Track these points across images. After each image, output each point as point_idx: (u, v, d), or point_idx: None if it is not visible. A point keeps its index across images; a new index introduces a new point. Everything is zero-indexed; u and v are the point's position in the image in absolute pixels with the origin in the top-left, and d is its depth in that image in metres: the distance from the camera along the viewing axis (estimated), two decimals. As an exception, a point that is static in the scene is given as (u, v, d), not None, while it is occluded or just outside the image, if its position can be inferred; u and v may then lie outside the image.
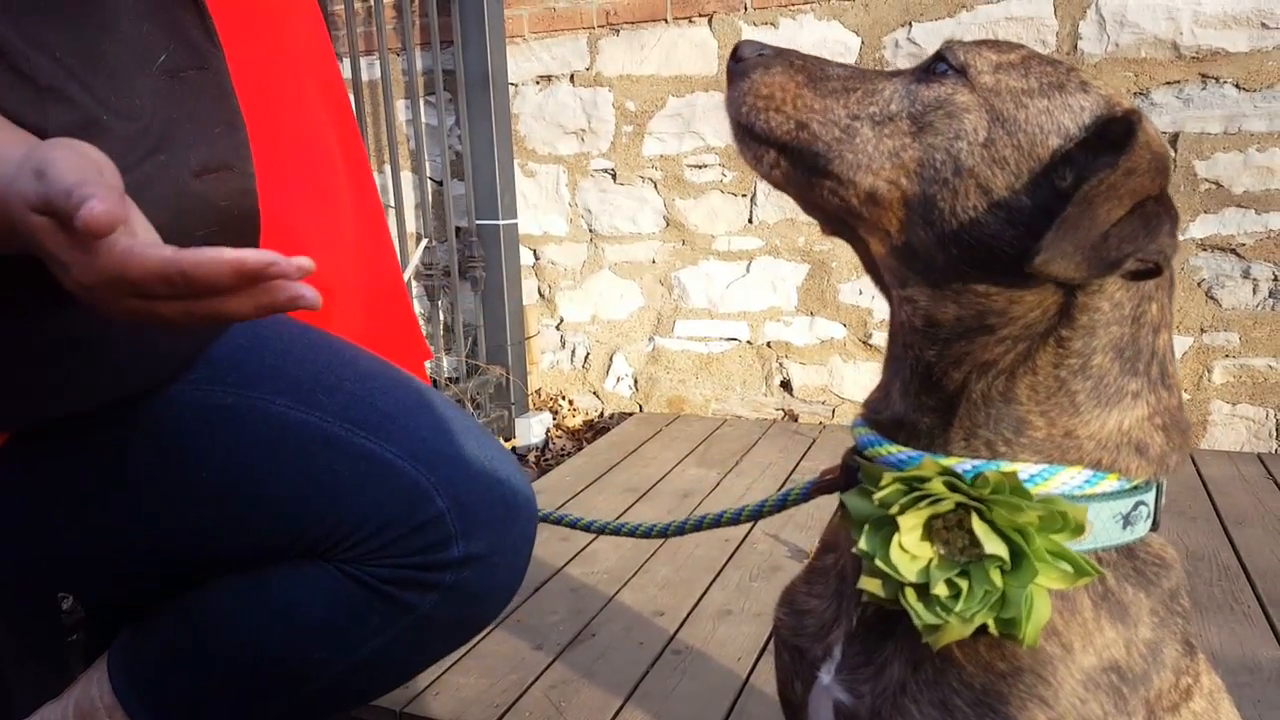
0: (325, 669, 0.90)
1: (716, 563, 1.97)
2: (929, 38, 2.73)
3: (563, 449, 3.09)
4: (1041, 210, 0.57)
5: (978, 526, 0.59)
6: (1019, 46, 0.63)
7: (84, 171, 0.58)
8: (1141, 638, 0.62)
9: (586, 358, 3.37)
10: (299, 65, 1.03)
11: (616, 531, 1.14)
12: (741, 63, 0.66)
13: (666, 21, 3.02)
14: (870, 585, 0.62)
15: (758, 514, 0.95)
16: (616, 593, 1.84)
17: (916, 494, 0.61)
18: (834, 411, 3.04)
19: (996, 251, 0.59)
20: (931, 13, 2.72)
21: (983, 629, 0.60)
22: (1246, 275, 2.56)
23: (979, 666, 0.61)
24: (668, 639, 1.66)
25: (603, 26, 3.10)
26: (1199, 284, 2.61)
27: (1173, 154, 2.57)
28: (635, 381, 3.31)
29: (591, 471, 2.62)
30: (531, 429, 3.16)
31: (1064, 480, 0.61)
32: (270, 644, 0.89)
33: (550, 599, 1.83)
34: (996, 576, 0.58)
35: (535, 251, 3.36)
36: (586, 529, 1.20)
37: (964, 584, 0.58)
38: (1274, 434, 2.60)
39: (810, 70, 0.64)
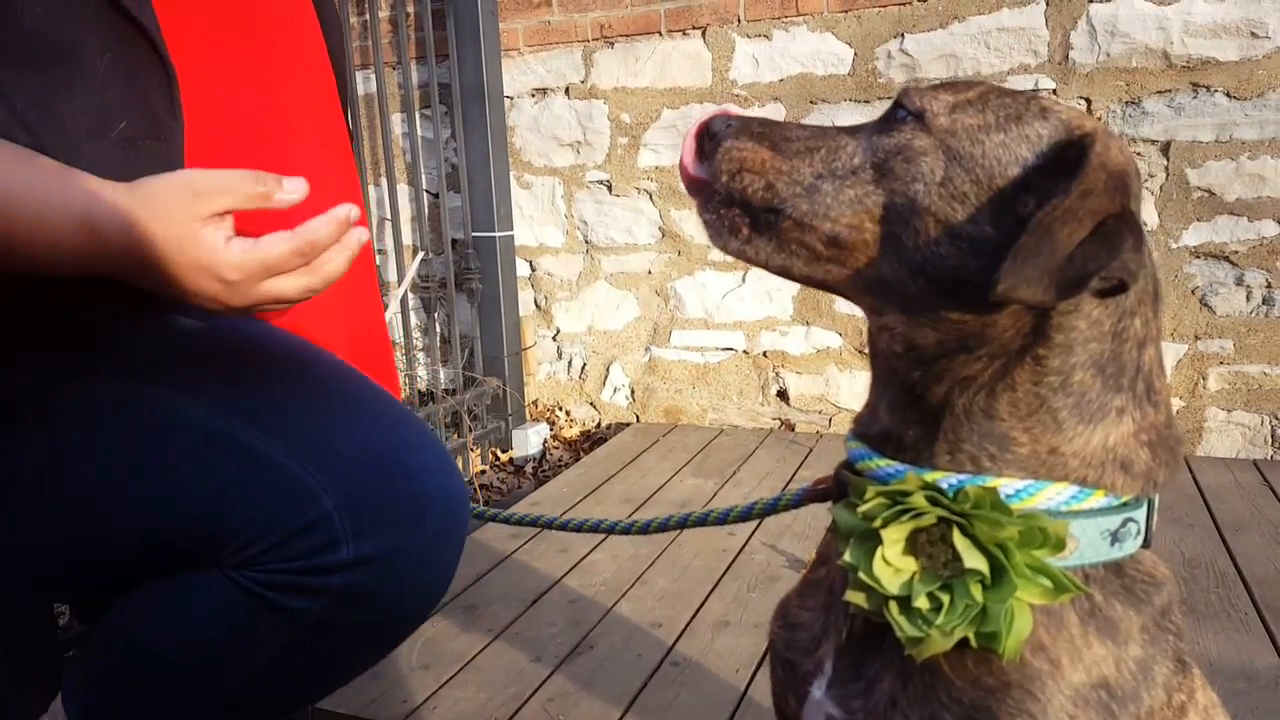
0: (226, 679, 0.87)
1: (714, 573, 1.97)
2: (921, 49, 2.75)
3: (560, 460, 3.09)
4: (1007, 238, 0.58)
5: (959, 541, 0.59)
6: (979, 84, 0.65)
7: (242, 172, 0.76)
8: (1132, 655, 0.62)
9: (583, 368, 3.38)
10: (292, 111, 1.01)
11: (579, 528, 1.11)
12: (714, 138, 0.68)
13: (661, 34, 3.04)
14: (855, 598, 0.62)
15: (747, 515, 0.95)
16: (614, 604, 1.84)
17: (899, 508, 0.61)
18: (831, 420, 3.04)
19: (963, 281, 0.60)
20: (924, 24, 2.74)
21: (968, 643, 0.60)
22: (1240, 282, 2.57)
23: (967, 682, 0.62)
24: (666, 650, 1.66)
25: (597, 39, 3.12)
26: (1193, 291, 2.62)
27: (1141, 167, 2.58)
28: (632, 392, 3.32)
29: (589, 482, 2.62)
30: (529, 440, 3.16)
31: (1049, 496, 0.62)
32: (166, 657, 0.87)
33: (548, 611, 1.83)
34: (977, 591, 0.58)
35: (531, 263, 3.37)
36: (549, 526, 1.16)
37: (945, 598, 0.59)
38: (1269, 440, 2.61)
39: (773, 137, 0.67)
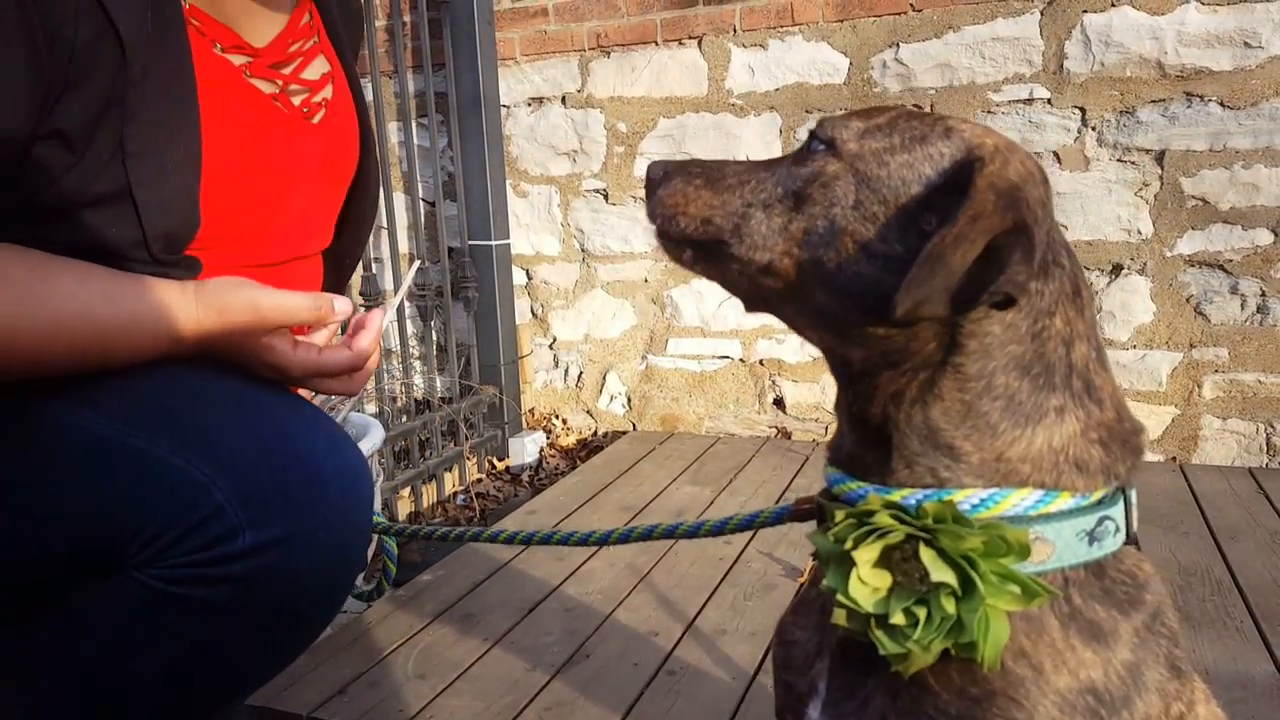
0: (144, 681, 0.88)
1: (711, 581, 1.97)
2: (916, 59, 2.76)
3: (556, 468, 3.09)
4: (914, 255, 0.61)
5: (925, 555, 0.60)
6: (891, 109, 0.68)
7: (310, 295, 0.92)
8: (1120, 659, 0.62)
9: (580, 376, 3.38)
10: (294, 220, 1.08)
11: (546, 541, 1.11)
12: (651, 182, 0.74)
13: (657, 43, 3.05)
14: (839, 618, 0.63)
15: (720, 530, 0.95)
16: (611, 613, 1.84)
17: (866, 528, 0.62)
18: (827, 428, 3.04)
19: (884, 297, 0.61)
20: (919, 34, 2.75)
21: (952, 654, 0.60)
22: (1234, 291, 2.58)
23: (953, 693, 0.62)
24: (663, 659, 1.66)
25: (594, 49, 3.13)
26: (1188, 300, 2.63)
27: (1136, 176, 2.60)
28: (628, 400, 3.32)
29: (585, 491, 2.62)
30: (525, 448, 3.16)
31: (1013, 503, 0.63)
32: (79, 666, 0.87)
33: (545, 619, 1.82)
34: (949, 604, 0.59)
35: (528, 271, 3.37)
36: (492, 540, 1.17)
37: (921, 612, 0.59)
38: (1265, 448, 2.62)
39: (708, 175, 0.71)
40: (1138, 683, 0.62)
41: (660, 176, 0.72)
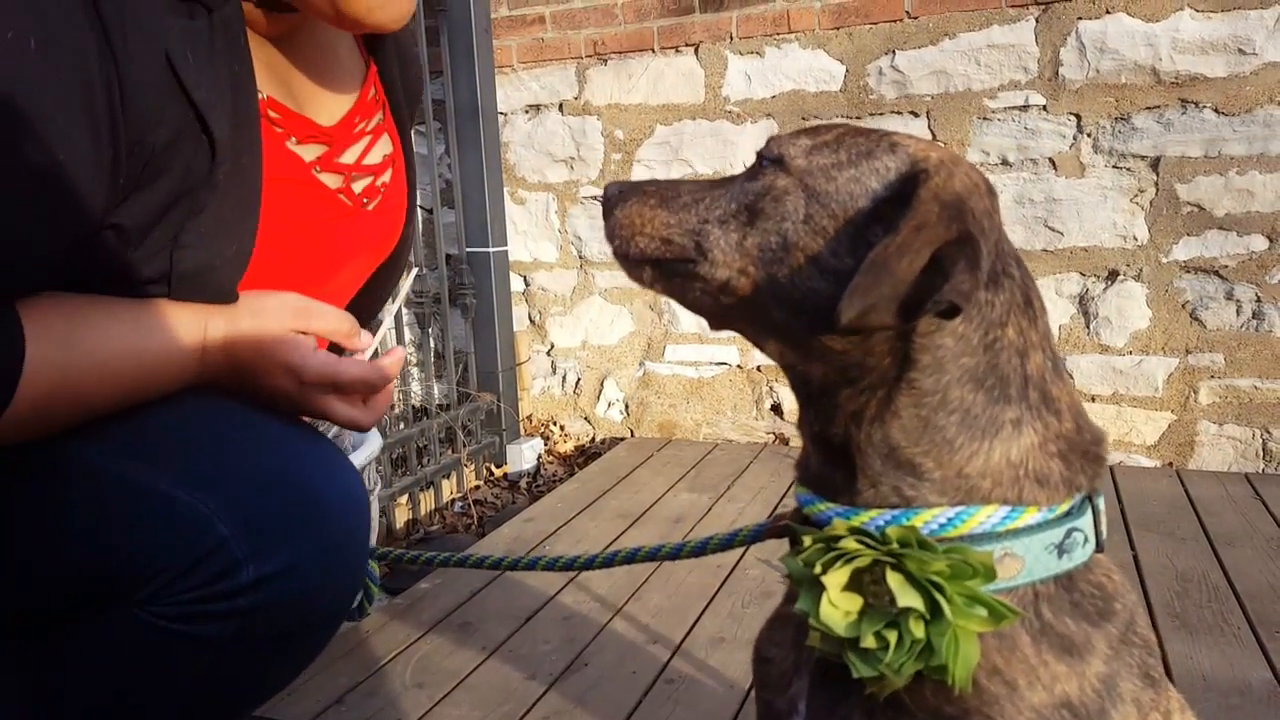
0: (144, 712, 0.87)
1: (709, 589, 1.97)
2: (912, 66, 2.77)
3: (554, 475, 3.09)
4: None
5: (893, 580, 0.60)
6: (838, 126, 0.69)
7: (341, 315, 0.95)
8: (1094, 671, 0.62)
9: (577, 383, 3.38)
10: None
11: (513, 566, 1.12)
12: (608, 202, 0.75)
13: (654, 51, 3.06)
14: (814, 641, 0.64)
15: (701, 550, 0.95)
16: (609, 621, 1.84)
17: (834, 553, 0.63)
18: (825, 435, 3.05)
19: (837, 313, 0.62)
20: (914, 41, 2.76)
21: (924, 675, 0.61)
22: (1230, 296, 2.59)
23: (928, 713, 0.62)
24: (660, 668, 1.66)
25: (590, 56, 3.14)
26: (1183, 306, 2.64)
27: (1131, 183, 2.60)
28: (626, 406, 3.32)
29: (583, 498, 2.62)
30: (523, 455, 3.16)
31: (980, 520, 0.63)
32: (82, 701, 0.86)
33: (542, 628, 1.82)
34: (918, 627, 0.59)
35: (526, 278, 3.38)
36: (446, 564, 1.17)
37: (892, 636, 0.60)
38: (1261, 454, 2.62)
39: (663, 194, 0.72)
40: (1112, 695, 0.62)
41: (616, 196, 0.73)
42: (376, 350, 1.00)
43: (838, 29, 2.84)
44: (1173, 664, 1.61)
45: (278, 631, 0.86)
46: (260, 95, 0.89)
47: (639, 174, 3.15)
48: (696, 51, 3.01)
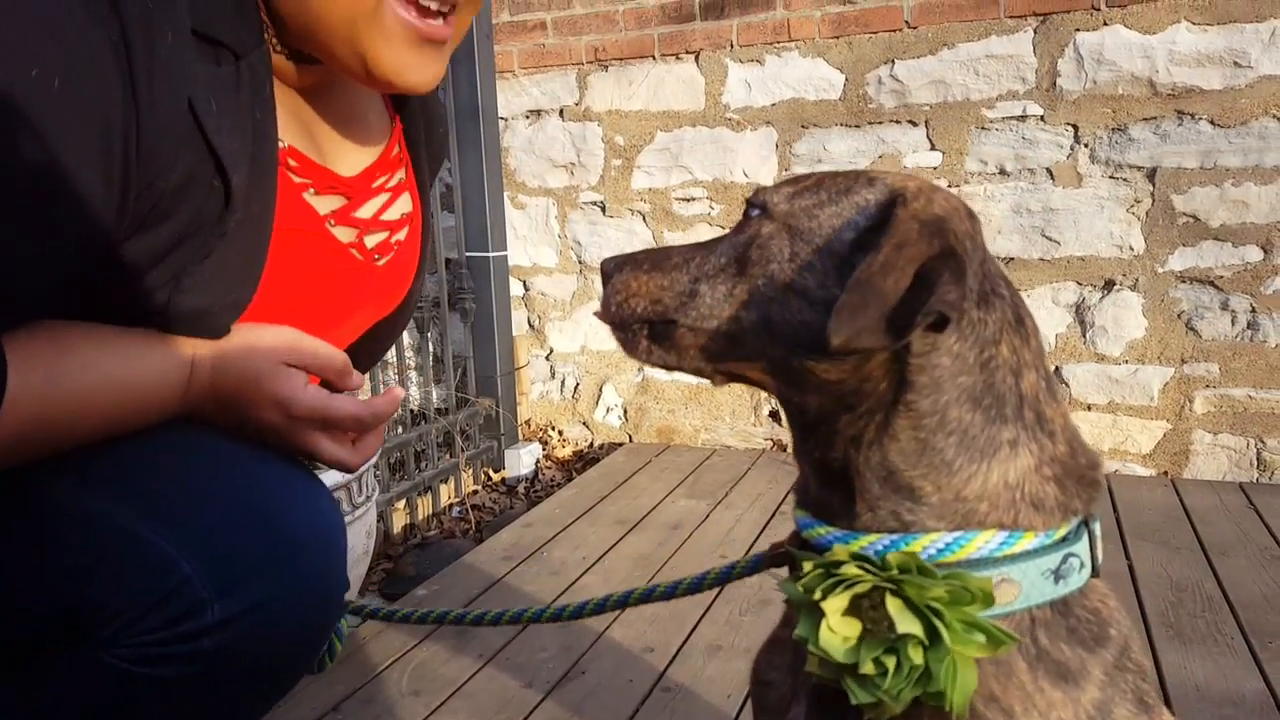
0: None
1: (706, 597, 1.97)
2: (911, 75, 2.78)
3: (553, 480, 3.10)
4: None
5: (892, 606, 0.61)
6: (820, 174, 0.71)
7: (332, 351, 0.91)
8: (1089, 699, 0.63)
9: (576, 388, 3.39)
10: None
11: (478, 622, 1.09)
12: (605, 275, 0.76)
13: (654, 58, 3.07)
14: (813, 667, 0.64)
15: (697, 587, 0.95)
16: (606, 629, 1.85)
17: (834, 579, 0.63)
18: (822, 442, 3.06)
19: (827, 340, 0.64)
20: (913, 50, 2.77)
21: (922, 701, 0.61)
22: (1225, 307, 2.61)
23: None
24: (657, 676, 1.66)
25: (591, 62, 3.15)
26: (1179, 315, 2.65)
27: (1128, 193, 2.62)
28: (625, 412, 3.33)
29: (581, 504, 2.63)
30: (521, 460, 3.16)
31: (980, 545, 0.63)
32: None
33: (540, 636, 1.83)
34: (917, 654, 0.60)
35: (525, 283, 3.39)
36: (443, 621, 1.13)
37: (891, 662, 0.60)
38: (1255, 463, 2.64)
39: (654, 261, 0.75)
40: None
41: (612, 270, 0.76)
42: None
43: (837, 38, 2.85)
44: (1167, 675, 1.62)
45: (246, 672, 0.82)
46: (281, 144, 0.88)
47: (639, 180, 3.16)
48: (697, 59, 3.02)
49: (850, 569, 0.63)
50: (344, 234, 0.96)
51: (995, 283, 0.66)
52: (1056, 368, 2.77)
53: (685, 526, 2.42)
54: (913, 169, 2.82)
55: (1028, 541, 0.64)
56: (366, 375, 1.00)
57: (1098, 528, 0.68)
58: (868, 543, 0.65)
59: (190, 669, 0.78)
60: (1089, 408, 2.75)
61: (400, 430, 2.82)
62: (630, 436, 3.32)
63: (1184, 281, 2.64)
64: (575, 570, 2.15)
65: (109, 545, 0.77)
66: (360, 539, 1.98)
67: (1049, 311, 2.76)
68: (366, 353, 1.09)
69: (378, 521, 2.49)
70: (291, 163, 0.90)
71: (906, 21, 2.77)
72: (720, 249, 0.72)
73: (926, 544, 0.63)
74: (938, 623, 0.59)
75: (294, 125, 0.92)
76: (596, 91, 3.16)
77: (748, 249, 0.69)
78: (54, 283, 0.73)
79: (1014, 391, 0.65)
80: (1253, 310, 2.58)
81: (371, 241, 0.99)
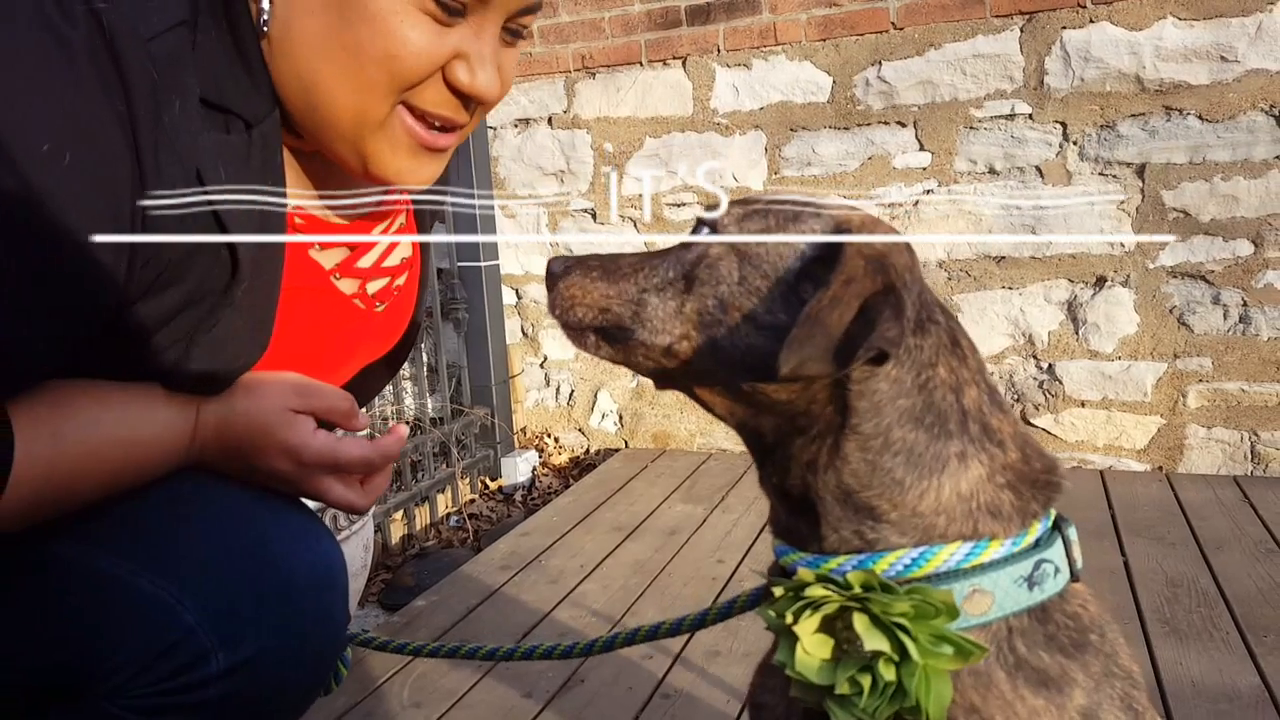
0: None
1: (704, 603, 1.98)
2: (899, 76, 2.79)
3: (549, 487, 3.10)
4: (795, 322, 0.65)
5: (859, 624, 0.62)
6: (769, 198, 0.73)
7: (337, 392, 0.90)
8: (1076, 705, 0.63)
9: (571, 395, 3.39)
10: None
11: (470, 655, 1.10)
12: (552, 277, 0.77)
13: (642, 64, 3.08)
14: (796, 692, 0.65)
15: (700, 624, 0.96)
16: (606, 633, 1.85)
17: (802, 602, 0.64)
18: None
19: (776, 367, 0.65)
20: (900, 52, 2.78)
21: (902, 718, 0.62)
22: (1216, 301, 2.61)
23: None
24: (657, 682, 1.67)
25: (579, 70, 3.15)
26: (1170, 310, 2.66)
27: (1117, 190, 2.62)
28: (620, 418, 3.33)
29: (578, 511, 2.63)
30: (518, 468, 3.16)
31: (946, 558, 0.64)
32: None
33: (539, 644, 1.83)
34: (889, 671, 0.61)
35: (518, 291, 3.39)
36: (417, 654, 1.13)
37: (866, 680, 0.61)
38: (1249, 456, 2.64)
39: (604, 266, 0.76)
40: None
41: (560, 272, 0.77)
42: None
43: (824, 41, 2.86)
44: (1162, 671, 1.63)
45: (251, 717, 0.82)
46: (288, 206, 0.88)
47: (629, 188, 3.16)
48: (684, 64, 3.03)
49: (816, 590, 0.64)
50: (348, 286, 0.97)
51: (931, 310, 0.69)
52: (1050, 365, 2.78)
53: (682, 532, 2.43)
54: (903, 169, 2.83)
55: (994, 550, 0.65)
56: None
57: (1073, 532, 0.69)
58: (836, 564, 0.66)
59: (195, 718, 0.78)
60: (1083, 404, 2.76)
61: (396, 441, 2.82)
62: (626, 442, 3.32)
63: (1175, 277, 2.65)
64: (573, 578, 2.15)
65: (111, 599, 0.77)
66: (358, 552, 1.98)
67: (1041, 309, 2.77)
68: (359, 390, 1.09)
69: (375, 533, 2.49)
70: (298, 220, 0.90)
71: (893, 23, 2.78)
72: (668, 263, 0.73)
73: (893, 560, 0.64)
74: (904, 638, 0.60)
75: (299, 182, 0.92)
76: (584, 99, 3.17)
77: (696, 267, 0.71)
78: (62, 350, 0.73)
79: (956, 408, 0.67)
80: (1244, 304, 2.59)
81: (373, 288, 1.00)
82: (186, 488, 0.84)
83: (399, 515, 2.65)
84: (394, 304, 1.04)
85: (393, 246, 1.02)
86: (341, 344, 0.99)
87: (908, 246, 0.69)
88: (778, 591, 0.67)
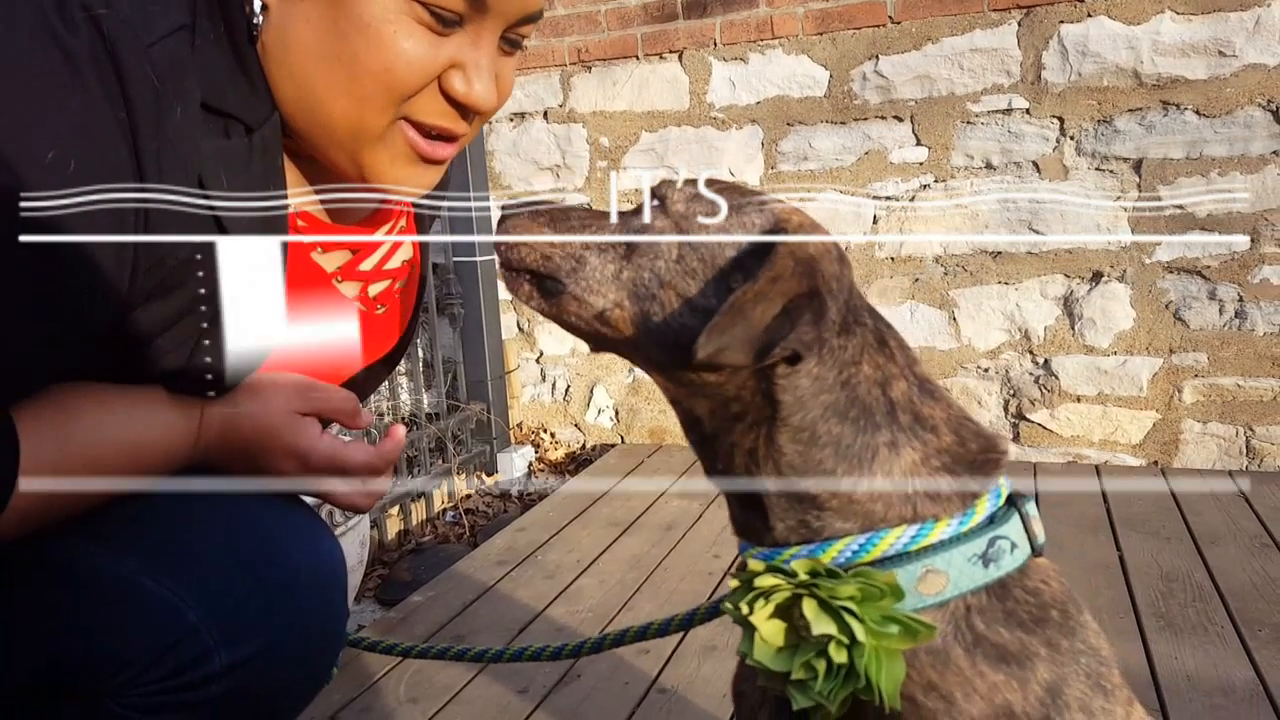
0: None
1: (700, 597, 1.98)
2: (896, 71, 2.78)
3: (545, 483, 3.10)
4: None
5: (808, 609, 0.63)
6: (723, 182, 0.75)
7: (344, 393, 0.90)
8: (1040, 679, 0.64)
9: (567, 390, 3.39)
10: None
11: (498, 658, 1.10)
12: (503, 217, 0.79)
13: (638, 58, 3.07)
14: (763, 681, 0.67)
15: (688, 624, 0.97)
16: (601, 631, 1.85)
17: (755, 592, 0.66)
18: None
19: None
20: (897, 46, 2.77)
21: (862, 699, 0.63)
22: (1212, 296, 2.62)
23: None
24: (653, 678, 1.67)
25: (575, 64, 3.14)
26: (1167, 306, 2.66)
27: (1114, 184, 2.62)
28: (616, 413, 3.33)
29: (574, 506, 2.63)
30: (514, 464, 3.16)
31: (892, 542, 0.66)
32: None
33: (535, 640, 1.83)
34: (840, 653, 0.62)
35: (514, 285, 3.38)
36: (407, 655, 1.12)
37: (820, 665, 0.62)
38: (1244, 451, 2.65)
39: (554, 216, 0.77)
40: (1058, 702, 0.64)
41: (511, 214, 0.78)
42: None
43: (821, 34, 2.85)
44: (1157, 664, 1.63)
45: (251, 714, 0.83)
46: (290, 208, 0.88)
47: (625, 182, 3.16)
48: (680, 58, 3.02)
49: (765, 580, 0.65)
50: (349, 288, 0.97)
51: (859, 314, 0.71)
52: (1046, 361, 2.78)
53: (678, 527, 2.43)
54: (900, 164, 2.83)
55: (941, 530, 0.66)
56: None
57: (1031, 508, 0.70)
58: (789, 555, 0.67)
59: (197, 715, 0.79)
60: (1078, 399, 2.77)
61: (392, 436, 2.82)
62: (622, 438, 3.32)
63: (1171, 272, 2.65)
64: (570, 573, 2.15)
65: (114, 597, 0.77)
66: (354, 548, 1.98)
67: (1037, 305, 2.77)
68: (357, 388, 1.08)
69: (371, 528, 2.49)
70: (300, 223, 0.90)
71: (890, 17, 2.77)
72: (614, 228, 0.75)
73: (841, 548, 0.66)
74: (851, 620, 0.61)
75: (300, 185, 0.91)
76: (580, 92, 3.16)
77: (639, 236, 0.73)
78: (65, 356, 0.73)
79: (882, 400, 0.69)
80: (1240, 299, 2.59)
81: (374, 290, 1.00)
82: (212, 497, 0.85)
83: (395, 511, 2.65)
84: (394, 305, 1.04)
85: (395, 249, 1.02)
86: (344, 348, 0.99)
87: (840, 255, 0.72)
88: (733, 584, 0.69)
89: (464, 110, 0.82)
